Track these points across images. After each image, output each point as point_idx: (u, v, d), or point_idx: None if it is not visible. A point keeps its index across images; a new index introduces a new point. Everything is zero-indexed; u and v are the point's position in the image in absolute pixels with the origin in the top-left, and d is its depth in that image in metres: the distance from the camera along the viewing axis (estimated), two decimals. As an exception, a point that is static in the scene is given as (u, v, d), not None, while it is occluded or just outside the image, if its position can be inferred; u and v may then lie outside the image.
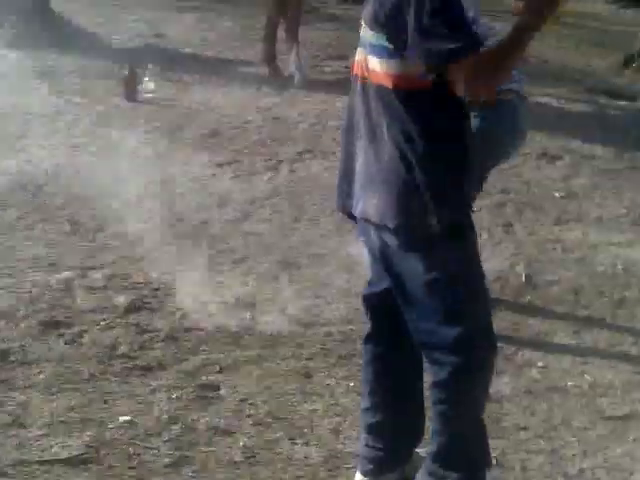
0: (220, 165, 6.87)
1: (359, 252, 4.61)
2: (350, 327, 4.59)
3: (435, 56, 2.66)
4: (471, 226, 3.00)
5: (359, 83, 2.95)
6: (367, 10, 2.86)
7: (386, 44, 2.77)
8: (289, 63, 9.59)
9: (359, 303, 3.39)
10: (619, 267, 5.58)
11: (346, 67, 9.81)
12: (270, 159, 7.07)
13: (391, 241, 2.92)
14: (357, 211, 3.01)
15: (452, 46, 2.63)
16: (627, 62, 11.05)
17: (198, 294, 4.83)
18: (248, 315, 4.68)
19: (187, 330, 4.48)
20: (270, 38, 9.74)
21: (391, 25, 2.73)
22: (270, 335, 4.51)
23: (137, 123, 7.71)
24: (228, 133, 7.65)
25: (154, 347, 4.30)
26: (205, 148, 7.23)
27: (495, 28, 4.90)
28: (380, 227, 2.92)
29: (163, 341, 4.36)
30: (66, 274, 4.94)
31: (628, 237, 6.07)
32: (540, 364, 4.43)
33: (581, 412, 4.05)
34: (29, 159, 6.63)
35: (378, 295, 3.22)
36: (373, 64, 2.85)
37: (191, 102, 8.50)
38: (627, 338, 4.78)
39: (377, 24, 2.79)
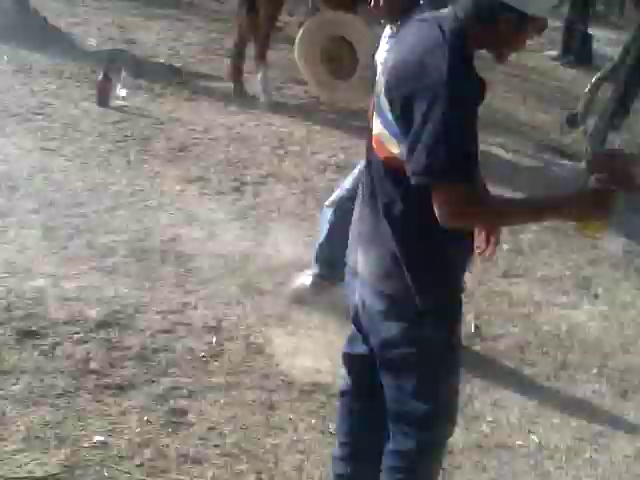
0: (188, 181, 6.84)
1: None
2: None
3: (418, 169, 2.59)
4: (455, 308, 2.99)
5: (371, 148, 2.89)
6: (380, 78, 2.78)
7: (392, 122, 2.69)
8: (255, 83, 9.58)
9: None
10: (563, 328, 5.67)
11: (306, 92, 9.92)
12: (236, 180, 7.06)
13: (379, 304, 2.89)
14: (350, 260, 3.03)
15: (433, 167, 2.56)
16: (570, 121, 11.16)
17: (166, 314, 4.83)
18: (214, 339, 4.69)
19: (156, 351, 4.47)
20: (238, 56, 9.70)
21: (399, 111, 2.65)
22: (235, 363, 4.52)
23: (108, 130, 7.64)
24: (196, 149, 7.62)
25: (125, 365, 4.28)
26: (173, 162, 7.19)
27: None
28: (369, 285, 2.92)
29: (133, 359, 4.35)
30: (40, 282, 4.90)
31: (571, 299, 6.15)
32: (489, 418, 4.49)
33: (528, 474, 4.12)
34: (4, 159, 6.53)
35: (359, 357, 3.18)
36: (382, 139, 2.77)
37: (160, 113, 8.44)
38: (570, 401, 4.87)
39: (388, 98, 2.71)
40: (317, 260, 5.26)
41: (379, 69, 3.63)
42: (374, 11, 4.62)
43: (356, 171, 4.97)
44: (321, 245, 5.22)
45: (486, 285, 6.08)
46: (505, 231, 7.00)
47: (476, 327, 5.42)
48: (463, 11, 2.68)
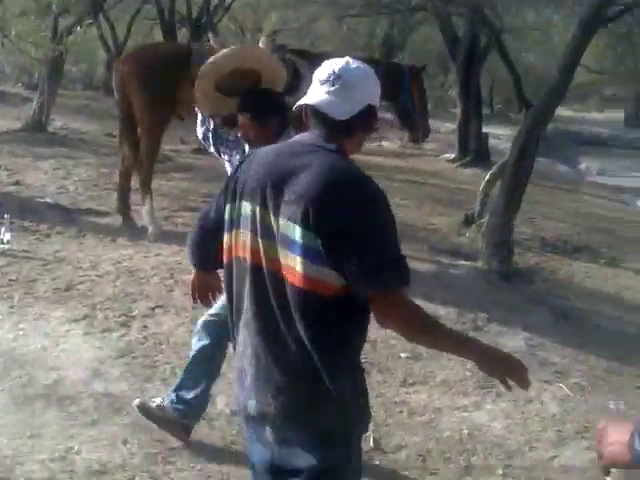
0: (74, 321, 6.68)
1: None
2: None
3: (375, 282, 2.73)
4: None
5: (249, 267, 2.88)
6: (290, 207, 2.76)
7: (320, 249, 2.72)
8: (143, 214, 9.52)
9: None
10: (465, 432, 5.58)
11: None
12: (123, 314, 6.93)
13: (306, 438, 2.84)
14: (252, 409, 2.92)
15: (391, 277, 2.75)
16: (467, 221, 11.33)
17: (48, 462, 4.64)
18: (100, 486, 4.51)
19: (35, 504, 4.28)
20: (123, 189, 9.67)
21: (333, 242, 2.72)
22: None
23: (-7, 276, 7.50)
24: (82, 287, 7.49)
25: None
26: (59, 303, 7.04)
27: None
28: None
29: None
30: None
31: (472, 400, 6.06)
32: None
33: None
34: None
35: None
36: (288, 260, 2.77)
37: (47, 253, 8.32)
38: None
39: (313, 228, 2.72)
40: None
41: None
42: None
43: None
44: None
45: (384, 396, 5.99)
46: (403, 340, 6.99)
47: (374, 440, 5.31)
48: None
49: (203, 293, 3.67)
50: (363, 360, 6.32)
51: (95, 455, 4.81)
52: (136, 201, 9.71)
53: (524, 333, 7.42)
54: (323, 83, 2.93)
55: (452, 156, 18.74)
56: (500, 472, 5.15)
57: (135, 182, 9.64)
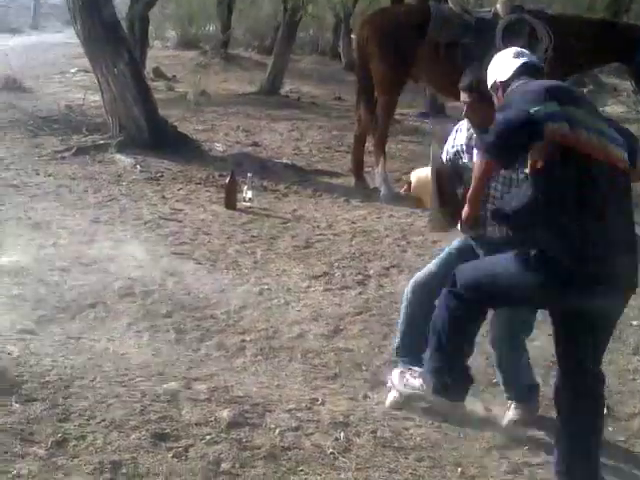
0: (314, 277, 6.89)
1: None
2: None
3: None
4: None
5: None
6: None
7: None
8: (375, 176, 9.66)
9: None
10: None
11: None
12: (360, 273, 7.07)
13: None
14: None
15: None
16: None
17: (294, 411, 4.81)
18: (342, 435, 4.63)
19: (285, 449, 4.44)
20: (358, 150, 9.84)
21: None
22: (364, 458, 4.46)
23: (236, 232, 7.80)
24: (320, 245, 7.69)
25: (255, 465, 4.27)
26: (299, 260, 7.27)
27: None
28: None
29: (263, 459, 4.33)
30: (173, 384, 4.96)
31: None
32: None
33: None
34: (138, 265, 6.71)
35: None
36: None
37: (285, 212, 8.58)
38: None
39: None
40: (399, 351, 5.18)
41: None
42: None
43: (444, 255, 5.00)
44: (402, 332, 5.15)
45: (617, 363, 5.87)
46: (635, 308, 6.82)
47: (608, 407, 5.22)
48: None
49: None
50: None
51: (338, 407, 4.94)
52: (368, 163, 9.84)
53: None
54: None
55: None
56: None
57: (369, 144, 9.78)
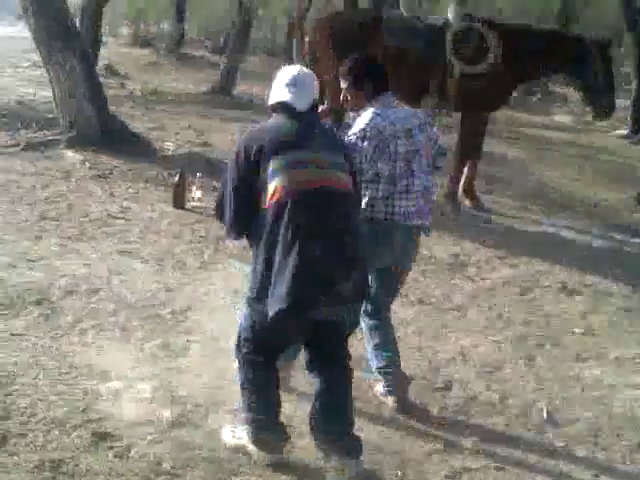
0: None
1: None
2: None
3: None
4: None
5: None
6: None
7: None
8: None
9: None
10: (638, 409, 5.46)
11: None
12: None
13: None
14: None
15: None
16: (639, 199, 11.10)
17: (238, 413, 4.78)
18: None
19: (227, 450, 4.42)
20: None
21: None
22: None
23: (184, 232, 7.76)
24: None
25: (196, 466, 4.24)
26: (246, 260, 7.20)
27: None
28: None
29: (205, 460, 4.30)
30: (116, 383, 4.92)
31: (645, 378, 5.95)
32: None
33: None
34: (84, 263, 6.65)
35: None
36: None
37: (234, 213, 8.52)
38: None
39: None
40: None
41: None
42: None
43: None
44: None
45: (558, 370, 5.93)
46: (577, 315, 6.90)
47: (548, 413, 5.27)
48: None
49: None
50: (538, 334, 6.30)
51: (284, 409, 4.92)
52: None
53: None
54: None
55: (624, 132, 18.23)
56: (674, 450, 5.03)
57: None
